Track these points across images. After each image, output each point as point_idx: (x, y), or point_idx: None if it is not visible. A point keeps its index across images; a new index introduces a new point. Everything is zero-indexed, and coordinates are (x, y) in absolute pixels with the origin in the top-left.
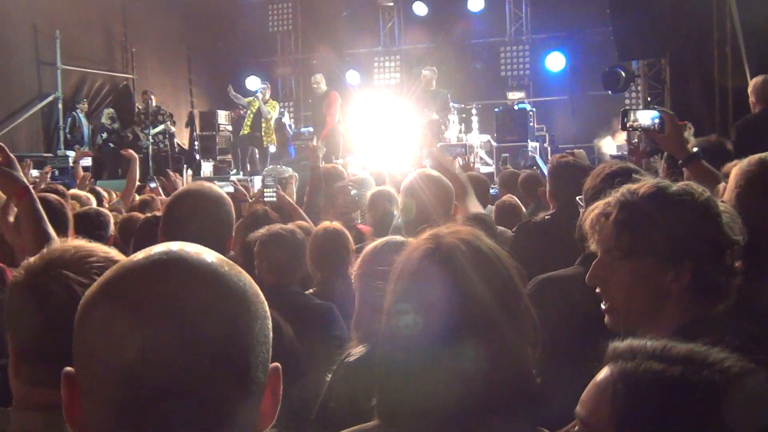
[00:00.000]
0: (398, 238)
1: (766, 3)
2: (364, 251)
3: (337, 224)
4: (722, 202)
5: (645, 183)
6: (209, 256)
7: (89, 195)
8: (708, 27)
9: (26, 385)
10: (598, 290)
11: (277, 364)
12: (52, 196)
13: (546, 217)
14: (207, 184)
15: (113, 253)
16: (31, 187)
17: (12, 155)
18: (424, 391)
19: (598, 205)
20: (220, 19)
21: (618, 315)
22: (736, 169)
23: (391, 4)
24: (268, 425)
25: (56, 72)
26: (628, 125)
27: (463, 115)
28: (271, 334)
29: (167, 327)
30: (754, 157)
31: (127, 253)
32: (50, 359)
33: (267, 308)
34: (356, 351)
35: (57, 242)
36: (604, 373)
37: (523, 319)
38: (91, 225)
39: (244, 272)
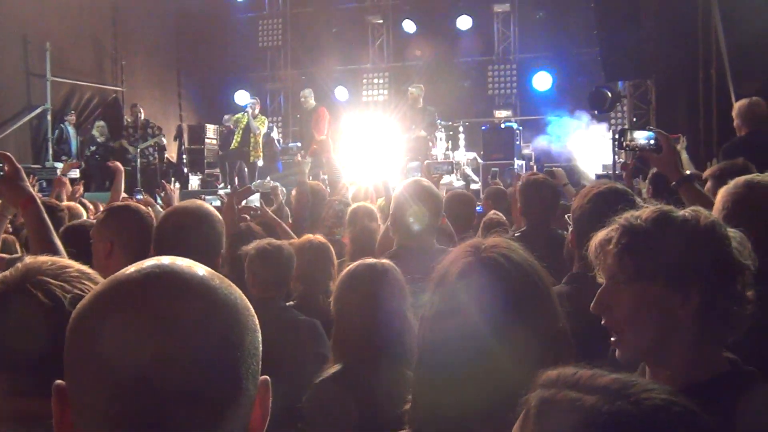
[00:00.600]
0: (371, 260)
1: (751, 25)
2: (341, 274)
3: (320, 237)
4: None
5: (648, 208)
6: (200, 269)
7: (81, 207)
8: (694, 49)
9: (7, 396)
10: (603, 321)
11: (266, 377)
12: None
13: (516, 234)
14: (198, 201)
15: (86, 268)
16: (37, 197)
17: (18, 165)
18: (465, 396)
19: (600, 233)
20: (211, 34)
21: (626, 347)
22: (722, 191)
23: (381, 21)
24: None
25: (46, 83)
26: (625, 144)
27: (450, 133)
28: (260, 347)
29: (160, 340)
30: (740, 179)
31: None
32: (32, 368)
33: (257, 321)
34: (330, 370)
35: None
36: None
37: (556, 325)
38: (85, 237)
39: (234, 286)
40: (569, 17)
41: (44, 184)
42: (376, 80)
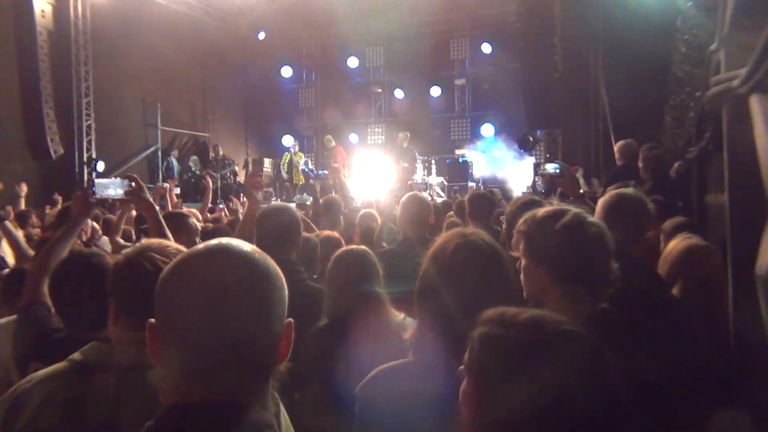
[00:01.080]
0: (354, 248)
1: (628, 92)
2: (336, 253)
3: (336, 234)
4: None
5: (548, 208)
6: (246, 246)
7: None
8: (587, 109)
9: (123, 329)
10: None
11: (290, 319)
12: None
13: None
14: (282, 203)
15: (182, 247)
16: (155, 205)
17: (142, 183)
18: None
19: (520, 224)
20: (268, 97)
21: (527, 294)
22: (601, 200)
23: (380, 90)
24: (283, 360)
25: (157, 131)
26: (539, 172)
27: (426, 164)
28: (287, 300)
29: (215, 295)
30: (613, 192)
31: None
32: (139, 312)
33: (284, 282)
34: (321, 323)
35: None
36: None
37: (515, 283)
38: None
39: (269, 257)
40: (504, 87)
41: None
42: (377, 129)
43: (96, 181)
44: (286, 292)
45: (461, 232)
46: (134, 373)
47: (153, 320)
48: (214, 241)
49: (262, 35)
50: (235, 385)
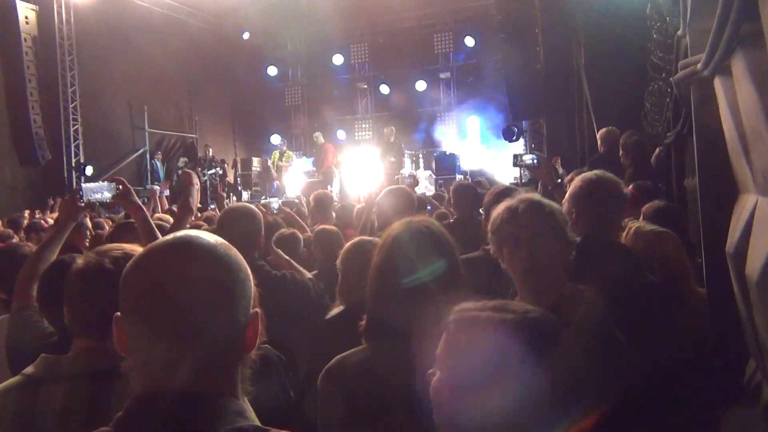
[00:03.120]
0: (366, 238)
1: (610, 80)
2: (347, 244)
3: (331, 227)
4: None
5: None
6: (209, 238)
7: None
8: (570, 99)
9: (80, 338)
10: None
11: (257, 309)
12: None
13: (450, 220)
14: (246, 204)
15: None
16: (143, 207)
17: (129, 186)
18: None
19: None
20: (254, 97)
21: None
22: (575, 180)
23: (366, 86)
24: (252, 349)
25: (145, 134)
26: (517, 163)
27: (413, 158)
28: (251, 291)
29: (175, 285)
30: (587, 174)
31: None
32: (95, 320)
33: (249, 273)
34: (335, 311)
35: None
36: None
37: (458, 264)
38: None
39: (233, 249)
40: (488, 80)
41: (146, 200)
42: (363, 125)
43: (83, 185)
44: (251, 284)
45: (406, 221)
46: (83, 382)
47: (118, 313)
48: (177, 234)
49: (246, 35)
50: (201, 374)
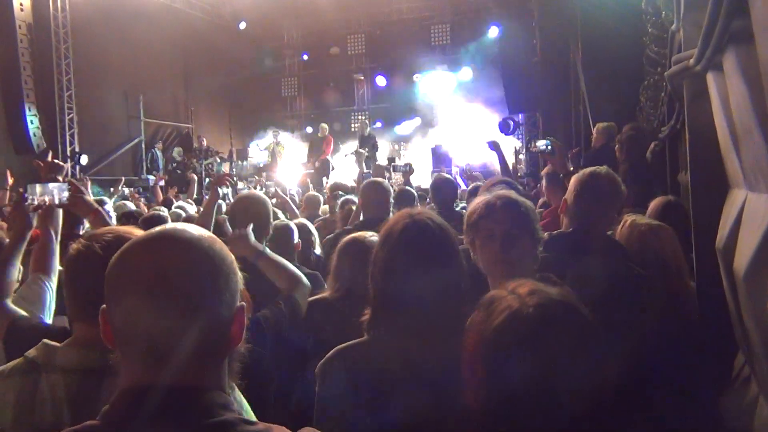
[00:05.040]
0: (361, 233)
1: (606, 74)
2: (343, 239)
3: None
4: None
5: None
6: (193, 231)
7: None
8: (566, 92)
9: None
10: None
11: (243, 303)
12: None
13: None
14: (255, 191)
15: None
16: (99, 208)
17: (82, 188)
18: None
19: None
20: (251, 88)
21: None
22: (574, 177)
23: (362, 78)
24: (237, 344)
25: (140, 123)
26: (531, 149)
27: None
28: (237, 285)
29: (156, 278)
30: (586, 170)
31: None
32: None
33: (234, 266)
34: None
35: None
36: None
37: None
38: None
39: (219, 242)
40: (488, 75)
41: (141, 189)
42: (360, 117)
43: (28, 185)
44: (238, 277)
45: (408, 213)
46: (76, 376)
47: (104, 306)
48: (161, 227)
49: (243, 25)
50: (185, 367)
